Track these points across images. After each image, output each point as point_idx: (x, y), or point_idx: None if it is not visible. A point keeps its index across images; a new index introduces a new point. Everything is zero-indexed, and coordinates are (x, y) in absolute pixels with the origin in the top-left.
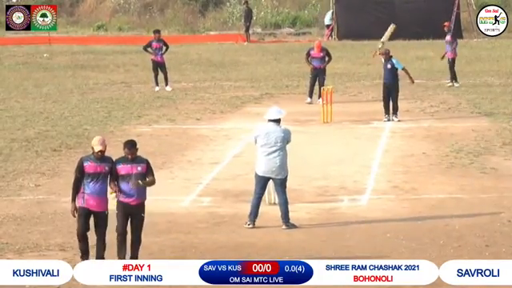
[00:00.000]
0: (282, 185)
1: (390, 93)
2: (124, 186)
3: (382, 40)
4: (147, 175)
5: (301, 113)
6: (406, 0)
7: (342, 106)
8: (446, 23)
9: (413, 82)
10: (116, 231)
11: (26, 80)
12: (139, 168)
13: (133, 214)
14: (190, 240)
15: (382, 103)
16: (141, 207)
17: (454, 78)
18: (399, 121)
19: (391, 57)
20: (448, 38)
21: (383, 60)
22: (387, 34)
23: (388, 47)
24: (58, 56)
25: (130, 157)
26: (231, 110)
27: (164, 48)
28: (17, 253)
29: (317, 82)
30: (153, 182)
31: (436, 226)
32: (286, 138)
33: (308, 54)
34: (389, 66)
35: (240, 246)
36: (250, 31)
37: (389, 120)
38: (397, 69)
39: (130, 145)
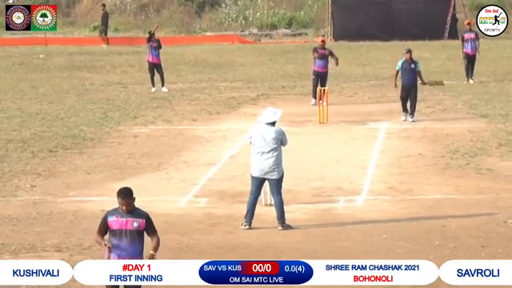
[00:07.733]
0: (276, 185)
1: (410, 93)
2: (116, 243)
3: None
4: (148, 233)
5: (297, 113)
6: (403, 1)
7: (338, 106)
8: (468, 21)
9: (424, 84)
10: None
11: (22, 81)
12: (135, 224)
13: None
14: (186, 241)
15: (379, 105)
16: None
17: (471, 74)
18: (413, 121)
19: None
20: (472, 35)
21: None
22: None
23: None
24: (54, 57)
25: (124, 208)
26: (227, 110)
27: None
28: (13, 253)
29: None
30: (159, 244)
31: (432, 226)
32: (280, 139)
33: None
34: (412, 66)
35: (236, 246)
36: (246, 32)
37: (406, 120)
38: (418, 70)
39: (124, 194)
